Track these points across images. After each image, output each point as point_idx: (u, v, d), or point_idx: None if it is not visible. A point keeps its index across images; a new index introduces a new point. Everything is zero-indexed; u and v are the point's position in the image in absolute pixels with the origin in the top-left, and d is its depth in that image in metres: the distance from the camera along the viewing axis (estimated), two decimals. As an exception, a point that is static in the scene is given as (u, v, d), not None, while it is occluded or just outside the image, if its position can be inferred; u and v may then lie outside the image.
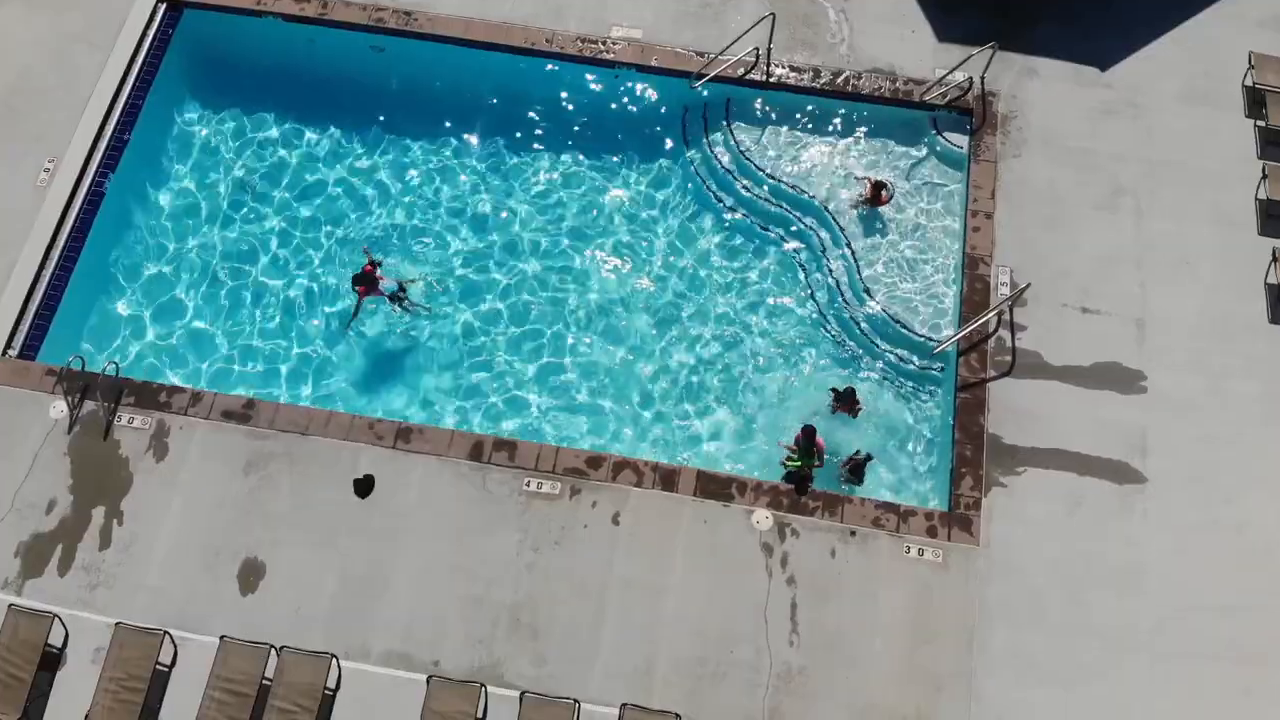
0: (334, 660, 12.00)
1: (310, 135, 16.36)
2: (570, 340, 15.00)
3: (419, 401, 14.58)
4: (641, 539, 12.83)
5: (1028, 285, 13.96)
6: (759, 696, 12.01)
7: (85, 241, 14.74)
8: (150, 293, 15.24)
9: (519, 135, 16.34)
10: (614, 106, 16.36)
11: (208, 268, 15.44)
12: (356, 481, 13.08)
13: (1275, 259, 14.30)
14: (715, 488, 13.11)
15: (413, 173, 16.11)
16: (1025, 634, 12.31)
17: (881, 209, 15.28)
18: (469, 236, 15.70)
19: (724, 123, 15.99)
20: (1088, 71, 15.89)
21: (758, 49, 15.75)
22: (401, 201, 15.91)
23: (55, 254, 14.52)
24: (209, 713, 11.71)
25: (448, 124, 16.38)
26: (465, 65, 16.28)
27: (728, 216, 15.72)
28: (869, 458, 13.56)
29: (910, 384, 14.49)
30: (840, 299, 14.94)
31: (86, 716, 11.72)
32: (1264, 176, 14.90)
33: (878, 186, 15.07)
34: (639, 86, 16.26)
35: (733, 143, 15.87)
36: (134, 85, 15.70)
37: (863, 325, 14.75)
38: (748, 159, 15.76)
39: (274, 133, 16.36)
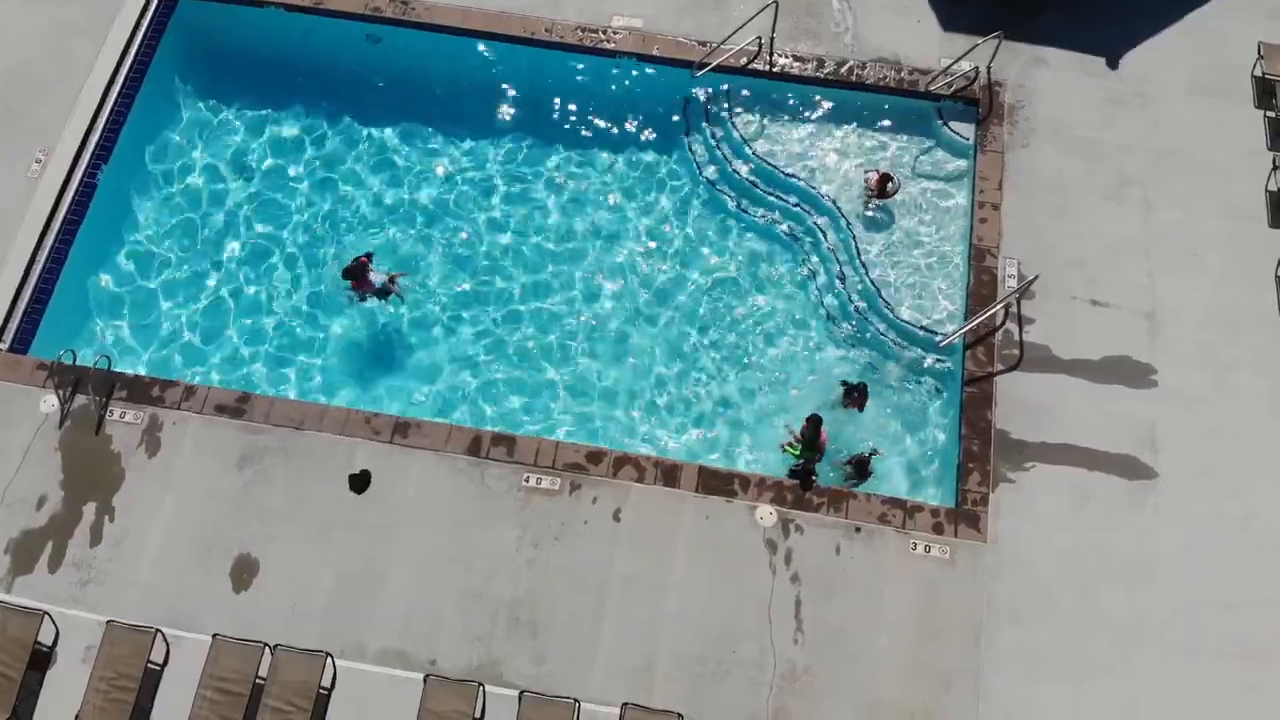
0: (329, 659, 11.79)
1: (306, 126, 16.11)
2: (569, 333, 14.77)
3: (416, 396, 14.34)
4: (643, 535, 12.62)
5: (1036, 277, 13.74)
6: (763, 696, 11.80)
7: (77, 234, 14.49)
8: (143, 286, 15.01)
9: (517, 126, 16.11)
10: (614, 97, 16.10)
11: (201, 260, 15.19)
12: (352, 477, 12.86)
13: (1287, 251, 14.12)
14: (718, 483, 12.89)
15: (409, 164, 15.85)
16: (1033, 630, 12.12)
17: (886, 201, 15.04)
18: (465, 227, 15.45)
19: (726, 113, 15.76)
20: (1095, 61, 15.68)
21: (760, 38, 15.53)
22: (397, 193, 15.66)
23: (47, 246, 14.28)
24: (201, 712, 11.49)
25: (445, 115, 16.12)
26: (463, 55, 16.04)
27: (730, 208, 15.48)
28: (874, 453, 13.34)
29: (916, 378, 14.25)
30: (844, 291, 14.71)
31: (77, 716, 11.49)
32: (1275, 168, 14.72)
33: (884, 179, 14.84)
34: (640, 76, 15.98)
35: (735, 134, 15.64)
36: (127, 76, 15.43)
37: (867, 318, 14.52)
38: (750, 150, 15.53)
39: (269, 124, 16.11)
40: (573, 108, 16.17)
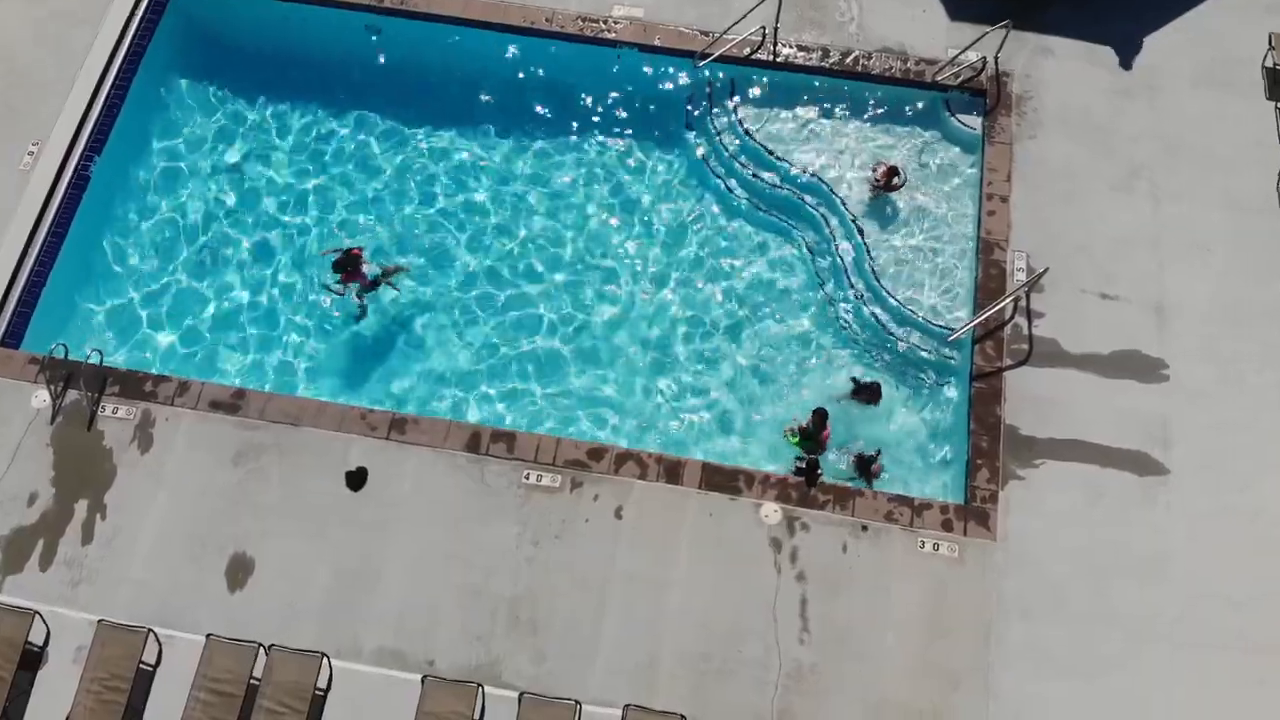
0: (324, 659, 11.56)
1: (303, 118, 15.89)
2: (570, 327, 14.54)
3: (413, 391, 14.11)
4: (645, 533, 12.39)
5: (1045, 270, 13.51)
6: (768, 696, 11.58)
7: (70, 227, 14.27)
8: (136, 279, 14.78)
9: (517, 117, 15.87)
10: (615, 87, 15.88)
11: (195, 254, 14.97)
12: (349, 474, 12.65)
13: (1299, 243, 13.88)
14: (722, 480, 12.66)
15: (407, 156, 15.62)
16: (1044, 628, 11.91)
17: (894, 194, 14.80)
18: (464, 220, 15.22)
19: (729, 104, 15.52)
20: (1103, 51, 15.44)
21: (764, 28, 15.30)
22: (395, 185, 15.43)
23: (39, 239, 14.06)
24: (195, 714, 11.26)
25: (444, 106, 15.89)
26: (462, 46, 15.82)
27: (733, 201, 15.23)
28: (878, 453, 13.14)
29: (924, 373, 14.01)
30: (850, 286, 14.48)
31: (68, 717, 11.27)
32: (1287, 159, 14.48)
33: (891, 171, 14.60)
34: (641, 66, 15.75)
35: (738, 125, 15.41)
36: (122, 65, 15.20)
37: (873, 313, 14.29)
38: (754, 141, 15.29)
39: (266, 115, 15.89)
40: (572, 99, 15.91)
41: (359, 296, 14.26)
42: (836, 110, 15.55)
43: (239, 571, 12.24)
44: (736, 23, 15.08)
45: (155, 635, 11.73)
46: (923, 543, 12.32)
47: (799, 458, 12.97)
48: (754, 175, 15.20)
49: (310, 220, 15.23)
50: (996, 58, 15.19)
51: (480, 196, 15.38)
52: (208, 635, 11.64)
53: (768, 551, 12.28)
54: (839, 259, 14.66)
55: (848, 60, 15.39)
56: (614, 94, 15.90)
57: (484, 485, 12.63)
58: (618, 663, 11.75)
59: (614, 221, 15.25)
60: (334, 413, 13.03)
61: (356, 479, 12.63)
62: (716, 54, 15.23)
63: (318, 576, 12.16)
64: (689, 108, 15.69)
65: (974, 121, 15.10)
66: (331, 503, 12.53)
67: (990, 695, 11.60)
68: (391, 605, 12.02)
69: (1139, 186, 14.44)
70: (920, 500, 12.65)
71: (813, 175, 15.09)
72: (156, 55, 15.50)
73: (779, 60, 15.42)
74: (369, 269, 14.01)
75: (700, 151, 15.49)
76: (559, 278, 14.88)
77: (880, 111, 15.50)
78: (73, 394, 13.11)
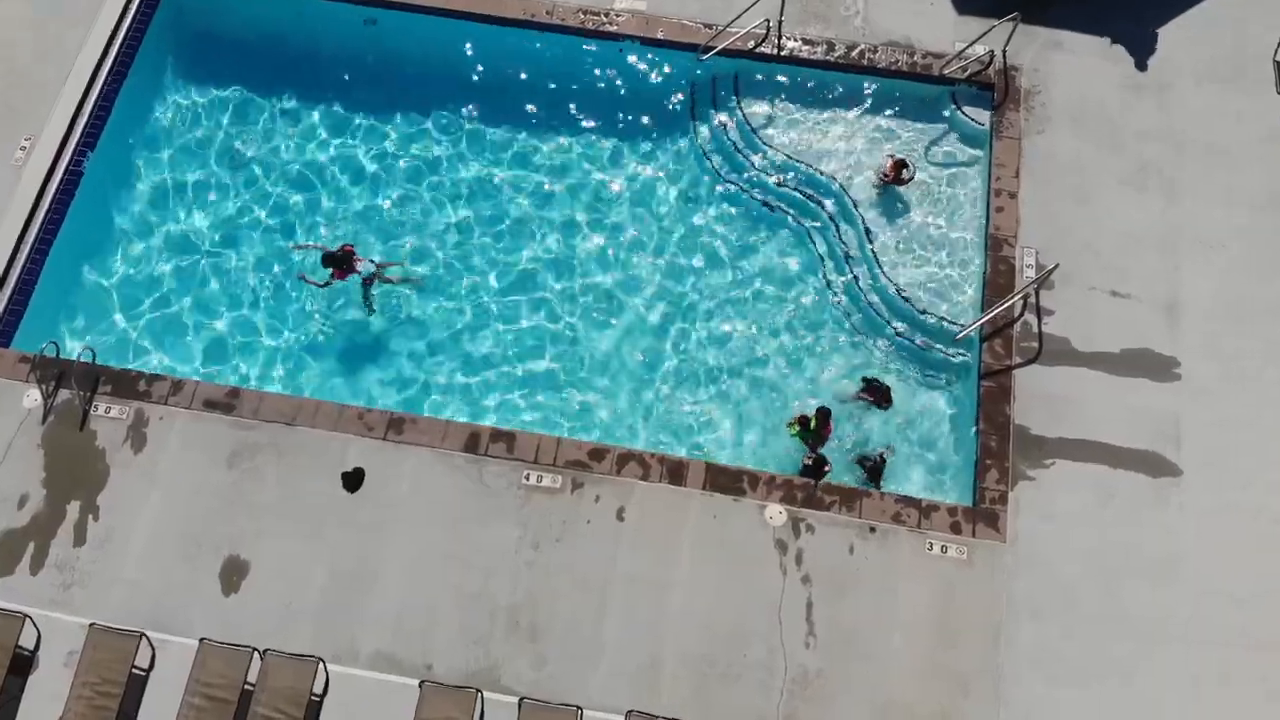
0: (320, 664, 11.36)
1: (299, 112, 15.63)
2: (571, 326, 14.29)
3: (411, 390, 13.87)
4: (648, 535, 12.16)
5: (1055, 266, 13.26)
6: (774, 701, 11.36)
7: (62, 223, 14.04)
8: (129, 277, 14.54)
9: (517, 112, 15.61)
10: (617, 82, 15.64)
11: (190, 251, 14.72)
12: (345, 475, 12.42)
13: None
14: (725, 481, 12.43)
15: (402, 152, 15.37)
16: (1054, 631, 11.70)
17: (901, 188, 14.55)
18: (463, 217, 14.97)
19: (733, 98, 15.28)
20: (1113, 46, 15.18)
21: (768, 21, 15.04)
22: (392, 180, 15.19)
23: (31, 236, 13.85)
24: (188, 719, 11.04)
25: (442, 100, 15.64)
26: (460, 38, 15.59)
27: (736, 196, 14.99)
28: (888, 450, 12.90)
29: (931, 372, 13.75)
30: (856, 282, 14.23)
31: (58, 723, 11.09)
32: (1300, 154, 14.23)
33: (899, 165, 14.35)
34: (644, 60, 15.52)
35: (742, 119, 15.17)
36: (115, 60, 14.98)
37: (880, 309, 14.04)
38: (758, 136, 15.06)
39: (261, 109, 15.64)
40: (574, 93, 15.67)
41: (365, 298, 14.01)
42: (842, 105, 15.29)
43: (233, 574, 12.03)
44: (740, 16, 14.84)
45: (148, 639, 11.56)
46: (931, 544, 12.10)
47: (806, 455, 12.77)
48: (758, 171, 14.96)
49: (306, 216, 14.97)
50: (1005, 51, 14.95)
51: (475, 194, 15.12)
52: (201, 639, 11.46)
53: (773, 553, 12.05)
54: (843, 254, 14.40)
55: (853, 54, 15.15)
56: (615, 88, 15.64)
57: (483, 486, 12.41)
58: (620, 667, 11.54)
59: (615, 218, 14.98)
60: (330, 412, 12.80)
61: (353, 480, 12.42)
62: (720, 48, 15.00)
63: (313, 579, 11.95)
64: (692, 103, 15.43)
65: (982, 116, 14.86)
66: (328, 504, 12.32)
67: (1000, 700, 11.40)
68: (389, 609, 11.81)
69: (1150, 182, 14.19)
70: (928, 501, 12.42)
71: (817, 170, 14.84)
72: (150, 49, 15.27)
73: (783, 54, 15.18)
74: (363, 265, 13.77)
75: (704, 147, 15.23)
76: (559, 274, 14.61)
77: (886, 106, 15.25)
78: (64, 393, 12.90)
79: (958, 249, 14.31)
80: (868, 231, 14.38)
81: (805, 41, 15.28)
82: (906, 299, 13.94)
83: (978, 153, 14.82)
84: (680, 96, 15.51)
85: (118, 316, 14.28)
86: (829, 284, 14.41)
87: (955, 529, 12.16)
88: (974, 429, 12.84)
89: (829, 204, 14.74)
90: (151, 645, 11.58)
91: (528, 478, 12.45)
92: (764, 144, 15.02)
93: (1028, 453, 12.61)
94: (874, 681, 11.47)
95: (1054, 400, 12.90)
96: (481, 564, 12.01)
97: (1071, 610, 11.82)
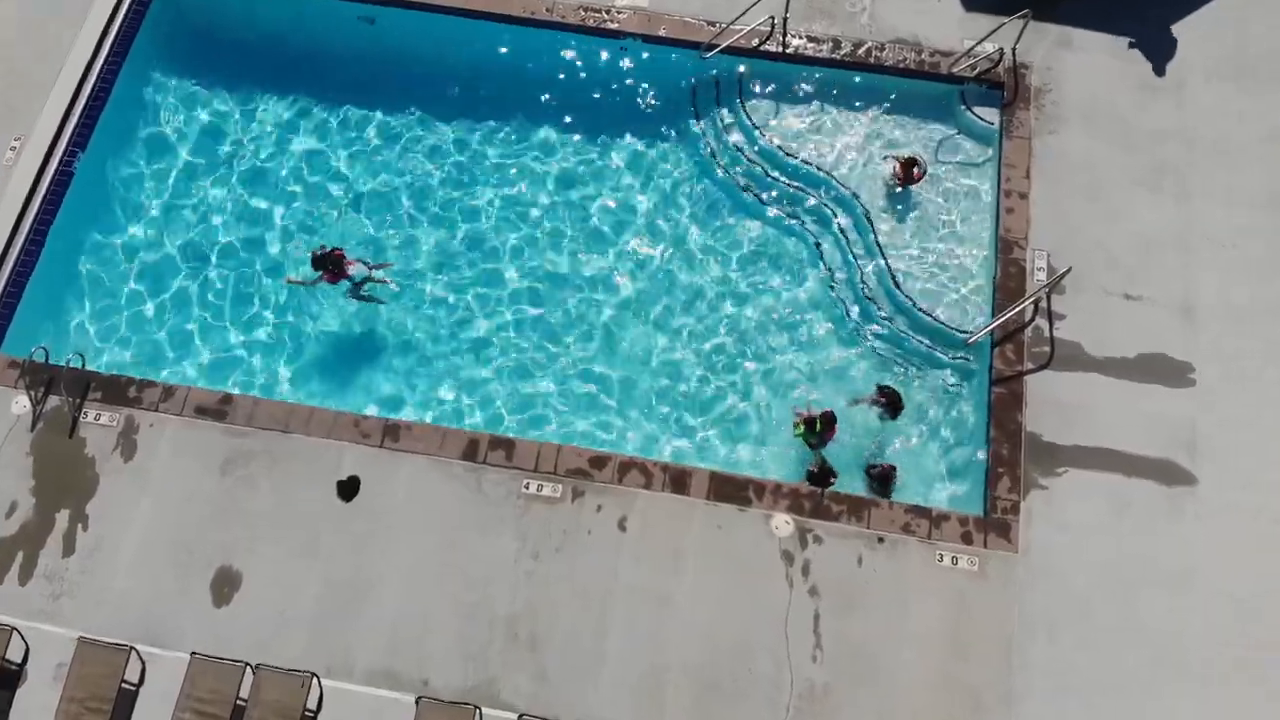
0: (314, 679, 11.06)
1: (294, 112, 15.34)
2: (570, 330, 13.99)
3: (407, 396, 13.56)
4: (650, 546, 11.87)
5: (1068, 270, 12.95)
6: (780, 717, 11.09)
7: (52, 225, 13.74)
8: (120, 281, 14.24)
9: (517, 112, 15.30)
10: (618, 80, 15.33)
11: (182, 253, 14.42)
12: (340, 483, 12.15)
13: (1333, 241, 13.32)
14: (730, 490, 12.13)
15: (400, 151, 15.07)
16: (1067, 645, 11.41)
17: (912, 188, 14.23)
18: (461, 219, 14.66)
19: (737, 97, 14.97)
20: (1126, 43, 14.86)
21: (773, 18, 14.73)
22: (388, 181, 14.88)
23: (20, 238, 13.56)
24: (178, 736, 10.80)
25: (440, 99, 15.33)
26: (459, 37, 15.27)
27: (741, 197, 14.68)
28: (894, 468, 12.63)
29: (941, 378, 13.43)
30: (863, 285, 13.92)
31: (45, 739, 10.83)
32: (1319, 154, 13.91)
33: (909, 164, 14.03)
34: (646, 58, 15.20)
35: (746, 118, 14.86)
36: (107, 58, 14.66)
37: (887, 314, 13.74)
38: (763, 136, 14.75)
39: (256, 110, 15.34)
40: (574, 92, 15.36)
41: (358, 296, 13.72)
42: (848, 104, 14.98)
43: (225, 585, 11.76)
44: (744, 13, 14.52)
45: (138, 653, 11.29)
46: (941, 556, 11.81)
47: (811, 463, 12.51)
48: (763, 171, 14.66)
49: (300, 218, 14.69)
50: (1014, 49, 14.63)
51: (475, 193, 14.83)
52: (192, 653, 11.20)
53: (779, 565, 11.76)
54: (851, 257, 14.10)
55: (859, 52, 14.85)
56: (616, 87, 15.34)
57: (481, 495, 12.13)
58: (622, 682, 11.26)
59: (617, 219, 14.68)
60: (325, 419, 12.52)
61: (348, 489, 12.15)
62: (723, 45, 14.70)
63: (307, 591, 11.68)
64: (695, 102, 15.12)
65: (991, 115, 14.53)
66: (322, 513, 12.04)
67: (1012, 715, 11.11)
68: (384, 621, 11.53)
69: (1164, 183, 13.88)
70: (938, 511, 12.13)
71: (823, 171, 14.53)
72: (143, 47, 14.99)
73: (788, 52, 14.87)
74: (355, 269, 13.48)
75: (707, 147, 14.92)
76: (560, 277, 14.31)
77: (894, 105, 14.94)
78: (54, 400, 12.65)
79: (967, 251, 14.00)
80: (875, 233, 14.07)
81: (810, 39, 14.97)
82: (915, 303, 13.63)
83: (987, 152, 14.51)
84: (682, 96, 15.18)
85: (108, 321, 13.97)
86: (835, 287, 14.10)
87: (966, 539, 11.86)
88: (985, 436, 12.54)
89: (835, 205, 14.42)
90: (141, 659, 11.31)
91: (527, 486, 12.16)
92: (768, 144, 14.71)
93: (1040, 461, 12.31)
94: (883, 696, 11.19)
95: (1066, 407, 12.60)
96: (480, 575, 11.73)
97: (1085, 622, 11.53)
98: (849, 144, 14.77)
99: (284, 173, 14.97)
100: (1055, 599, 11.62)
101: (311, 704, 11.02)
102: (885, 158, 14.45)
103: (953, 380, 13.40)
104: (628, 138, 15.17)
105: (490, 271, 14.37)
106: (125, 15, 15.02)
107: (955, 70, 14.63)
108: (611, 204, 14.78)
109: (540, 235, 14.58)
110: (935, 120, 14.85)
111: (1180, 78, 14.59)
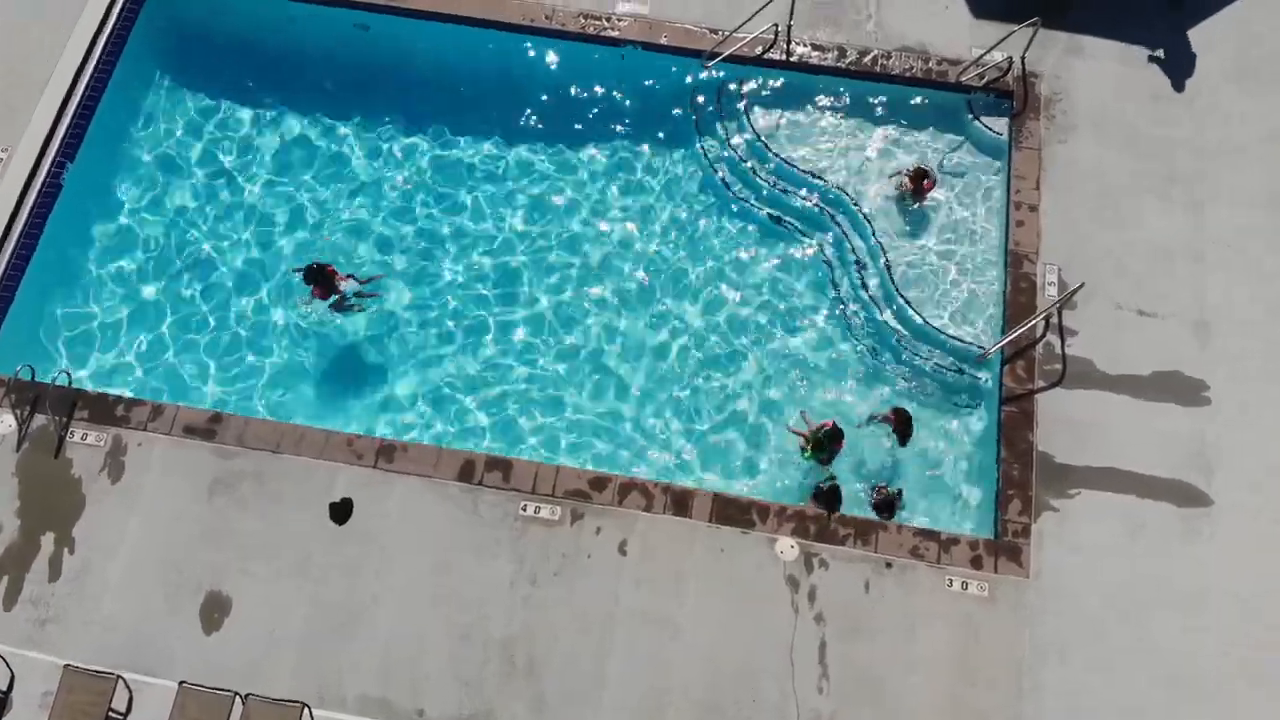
0: (305, 709, 10.76)
1: (288, 121, 15.00)
2: (568, 344, 13.66)
3: (401, 416, 13.23)
4: (651, 570, 11.57)
5: (1080, 286, 12.62)
6: (785, 750, 10.78)
7: (39, 239, 13.41)
8: (108, 296, 13.90)
9: (515, 121, 14.99)
10: (619, 89, 15.01)
11: (172, 269, 14.10)
12: (333, 505, 11.85)
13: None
14: (734, 512, 11.82)
15: (396, 162, 14.74)
16: (1080, 672, 11.14)
17: (920, 200, 13.89)
18: (455, 231, 14.33)
19: (740, 107, 14.66)
20: (1137, 51, 14.58)
21: (776, 25, 14.44)
22: (382, 192, 14.55)
23: (7, 252, 13.24)
24: (165, 768, 10.50)
25: (436, 109, 15.02)
26: (456, 44, 14.95)
27: (744, 210, 14.36)
28: (899, 493, 12.30)
29: (950, 396, 13.11)
30: (869, 300, 13.60)
31: (29, 771, 10.54)
32: (1337, 164, 13.60)
33: (919, 175, 13.68)
34: (646, 67, 14.87)
35: (749, 129, 14.55)
36: (96, 67, 14.32)
37: (895, 330, 13.42)
38: (766, 146, 14.42)
39: (247, 119, 15.01)
40: (573, 102, 15.05)
41: (341, 309, 13.41)
42: (854, 113, 14.69)
43: (214, 611, 11.45)
44: (748, 20, 14.21)
45: (125, 682, 11.00)
46: (950, 580, 11.51)
47: (818, 483, 12.22)
48: (767, 183, 14.33)
49: (295, 230, 14.36)
50: (1024, 57, 14.33)
51: (472, 205, 14.51)
52: (181, 682, 10.89)
53: (784, 590, 11.45)
54: (857, 272, 13.78)
55: (865, 60, 14.54)
56: (617, 97, 15.02)
57: (477, 517, 11.82)
58: (622, 706, 10.98)
59: (616, 233, 14.36)
60: (317, 439, 12.21)
61: (341, 511, 11.85)
62: (726, 54, 14.42)
63: (298, 617, 11.38)
64: (696, 112, 14.81)
65: (1000, 125, 14.25)
66: (314, 536, 11.74)
67: (1023, 744, 10.82)
68: (377, 649, 11.23)
69: (1178, 194, 13.58)
70: (948, 534, 11.82)
71: (828, 182, 14.22)
72: (133, 56, 14.63)
73: (793, 60, 14.57)
74: (346, 284, 13.18)
75: (709, 159, 14.60)
76: (558, 293, 14.00)
77: (900, 115, 14.64)
78: (39, 418, 12.33)
79: (976, 265, 13.69)
80: (881, 247, 13.76)
81: (815, 47, 14.66)
82: (923, 319, 13.31)
83: (996, 163, 14.20)
84: (684, 105, 14.88)
85: (96, 338, 13.65)
86: (840, 302, 13.78)
87: (976, 563, 11.56)
88: (995, 457, 12.23)
89: (840, 218, 14.11)
90: (129, 687, 11.01)
91: (525, 508, 11.86)
92: (772, 155, 14.39)
93: (1051, 482, 12.01)
94: (890, 726, 10.89)
95: (1079, 426, 12.30)
96: (476, 600, 11.43)
97: (1098, 649, 11.26)
98: (854, 155, 14.46)
99: (274, 186, 14.63)
100: (1067, 622, 11.35)
101: (302, 735, 10.74)
102: (892, 175, 14.11)
103: (962, 398, 13.08)
104: (627, 148, 14.83)
105: (481, 285, 14.02)
106: (115, 21, 14.69)
107: (963, 79, 14.35)
108: (609, 217, 14.44)
109: (534, 247, 14.25)
110: (943, 130, 14.55)
111: (1195, 83, 14.31)
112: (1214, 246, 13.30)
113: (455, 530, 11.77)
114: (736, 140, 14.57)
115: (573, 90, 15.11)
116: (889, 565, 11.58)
